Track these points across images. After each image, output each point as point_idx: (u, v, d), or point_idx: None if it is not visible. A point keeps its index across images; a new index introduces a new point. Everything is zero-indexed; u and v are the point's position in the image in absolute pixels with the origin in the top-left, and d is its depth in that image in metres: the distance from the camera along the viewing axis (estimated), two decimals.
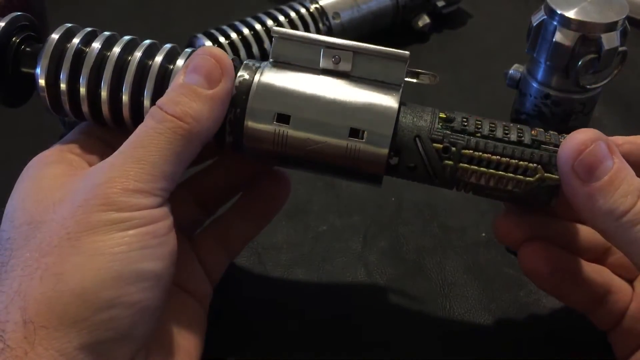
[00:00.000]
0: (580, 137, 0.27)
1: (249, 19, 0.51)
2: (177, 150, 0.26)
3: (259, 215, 0.36)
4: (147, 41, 0.31)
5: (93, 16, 0.60)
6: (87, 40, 0.30)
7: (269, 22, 0.51)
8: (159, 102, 0.27)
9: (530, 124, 0.45)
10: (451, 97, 0.54)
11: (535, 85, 0.43)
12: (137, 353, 0.26)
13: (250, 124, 0.29)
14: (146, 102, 0.29)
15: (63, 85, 0.30)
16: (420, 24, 0.59)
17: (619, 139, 0.30)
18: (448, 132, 0.29)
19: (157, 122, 0.27)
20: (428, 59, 0.58)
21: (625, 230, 0.26)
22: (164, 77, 0.30)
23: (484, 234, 0.42)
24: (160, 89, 0.29)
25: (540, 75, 0.42)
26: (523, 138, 0.29)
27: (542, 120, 0.43)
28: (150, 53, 0.30)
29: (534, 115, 0.44)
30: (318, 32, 0.53)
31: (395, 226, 0.43)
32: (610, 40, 0.39)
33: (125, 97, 0.29)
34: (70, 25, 0.31)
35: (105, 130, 0.31)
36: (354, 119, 0.28)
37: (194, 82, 0.27)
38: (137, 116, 0.30)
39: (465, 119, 0.29)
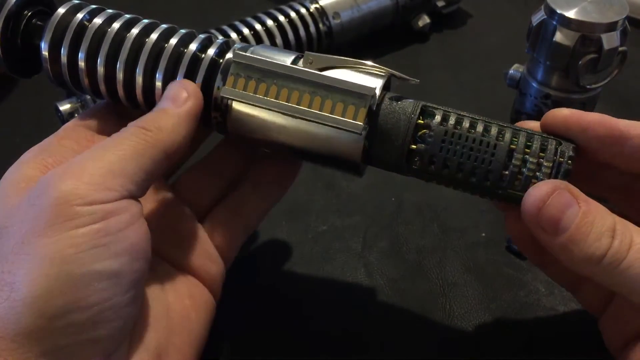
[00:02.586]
0: (537, 194, 0.26)
1: (249, 19, 0.51)
2: (139, 152, 0.27)
3: (273, 186, 0.35)
4: (146, 20, 0.32)
5: None
6: (91, 17, 0.31)
7: (269, 22, 0.51)
8: (130, 122, 0.29)
9: None
10: (451, 97, 0.54)
11: (535, 85, 0.43)
12: (115, 350, 0.26)
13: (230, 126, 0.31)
14: (139, 78, 0.31)
15: (64, 59, 0.31)
16: (420, 24, 0.59)
17: (587, 116, 0.29)
18: (415, 166, 0.29)
19: (122, 131, 0.28)
20: (428, 59, 0.58)
21: (609, 273, 0.26)
22: (159, 53, 0.31)
23: (484, 234, 0.42)
24: (153, 65, 0.30)
25: (540, 75, 0.42)
26: (487, 182, 0.28)
27: None
28: (147, 30, 0.31)
29: (534, 116, 0.44)
30: (318, 32, 0.53)
31: (395, 226, 0.43)
32: (610, 40, 0.39)
33: (120, 74, 0.31)
34: (77, 1, 0.32)
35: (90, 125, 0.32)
36: (323, 157, 0.30)
37: (162, 106, 0.29)
38: (131, 92, 0.31)
39: (433, 152, 0.28)
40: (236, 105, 0.30)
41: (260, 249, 0.41)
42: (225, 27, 0.50)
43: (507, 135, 0.28)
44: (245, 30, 0.50)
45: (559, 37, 0.39)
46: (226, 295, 0.38)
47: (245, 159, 0.36)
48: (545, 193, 0.26)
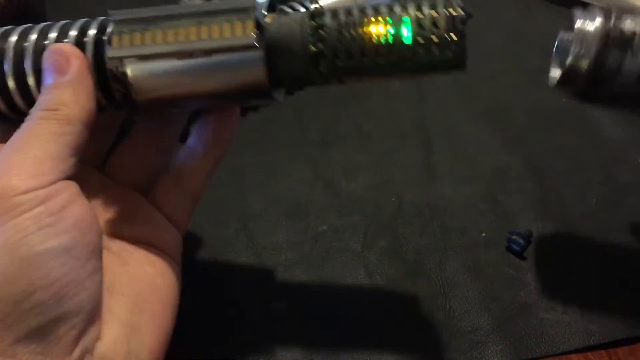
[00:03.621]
0: None
1: None
2: (57, 132, 0.27)
3: (210, 146, 0.34)
4: (23, 26, 0.31)
5: (93, 16, 0.60)
6: None
7: None
8: (30, 110, 0.29)
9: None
10: (451, 97, 0.54)
11: None
12: (87, 326, 0.26)
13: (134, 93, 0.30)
14: (30, 80, 0.30)
15: None
16: None
17: None
18: (323, 69, 0.29)
19: (29, 120, 0.28)
20: None
21: None
22: (42, 52, 0.30)
23: (484, 234, 0.42)
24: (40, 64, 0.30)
25: None
26: (394, 57, 0.28)
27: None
28: (25, 34, 0.30)
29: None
30: None
31: (395, 226, 0.43)
32: None
33: (11, 83, 0.30)
34: None
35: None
36: (232, 94, 0.29)
37: (49, 81, 0.29)
38: (29, 98, 0.30)
39: (334, 45, 0.29)
40: (132, 68, 0.29)
41: (260, 248, 0.41)
42: None
43: (397, 9, 0.29)
44: None
45: None
46: (225, 295, 0.38)
47: (168, 128, 0.35)
48: None
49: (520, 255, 0.41)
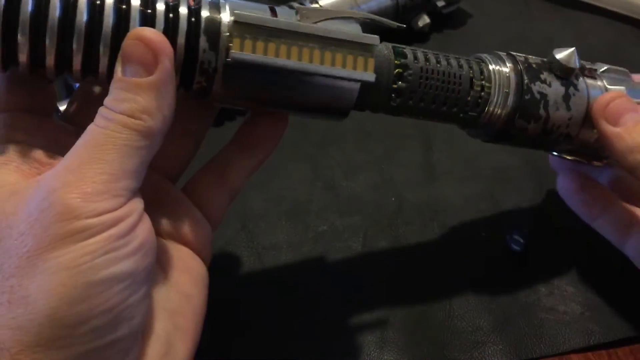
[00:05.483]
0: (608, 94, 0.34)
1: None
2: (135, 145, 0.25)
3: (258, 147, 0.33)
4: None
5: None
6: None
7: None
8: (106, 101, 0.26)
9: None
10: None
11: None
12: (134, 345, 0.26)
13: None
14: (102, 48, 0.26)
15: None
16: (420, 24, 0.59)
17: None
18: (394, 104, 0.31)
19: (108, 121, 0.25)
20: None
21: None
22: (122, 16, 0.26)
23: (483, 234, 0.42)
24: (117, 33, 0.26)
25: None
26: (455, 109, 0.32)
27: None
28: None
29: None
30: None
31: (395, 226, 0.43)
32: None
33: (75, 45, 0.26)
34: None
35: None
36: (319, 110, 0.30)
37: (131, 74, 0.25)
38: (90, 66, 0.27)
39: (414, 88, 0.31)
40: (226, 67, 0.27)
41: (260, 248, 0.41)
42: None
43: (465, 65, 0.32)
44: None
45: None
46: (225, 295, 0.38)
47: (207, 116, 0.34)
48: (615, 94, 0.34)
49: (520, 255, 0.41)
